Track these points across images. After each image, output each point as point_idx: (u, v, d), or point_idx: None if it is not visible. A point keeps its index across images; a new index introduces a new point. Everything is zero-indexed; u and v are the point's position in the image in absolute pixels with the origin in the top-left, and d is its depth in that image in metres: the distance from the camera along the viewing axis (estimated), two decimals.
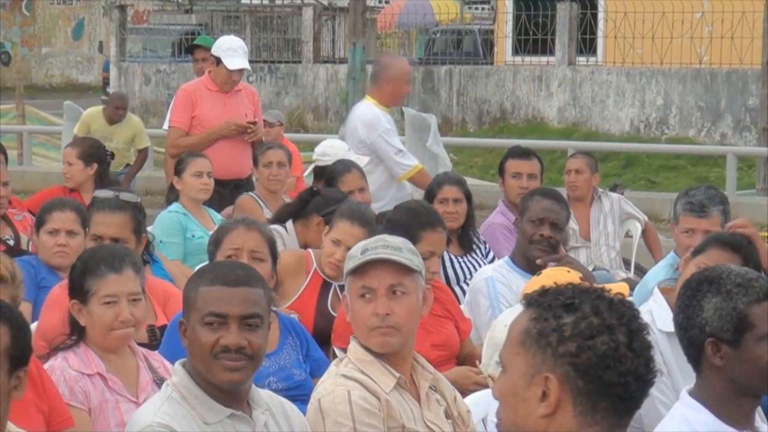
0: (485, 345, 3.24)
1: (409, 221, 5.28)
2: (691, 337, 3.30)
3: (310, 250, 5.92)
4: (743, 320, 3.23)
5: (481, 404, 4.16)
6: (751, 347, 3.23)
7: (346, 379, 3.69)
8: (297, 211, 6.59)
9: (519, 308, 2.65)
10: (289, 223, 6.50)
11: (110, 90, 25.49)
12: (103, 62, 33.59)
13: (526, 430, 2.49)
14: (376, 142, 8.08)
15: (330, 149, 8.07)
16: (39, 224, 5.66)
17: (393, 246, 3.78)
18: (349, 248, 5.57)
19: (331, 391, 3.66)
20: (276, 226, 6.12)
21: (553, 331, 2.47)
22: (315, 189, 6.89)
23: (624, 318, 2.51)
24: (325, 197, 6.59)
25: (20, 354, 2.96)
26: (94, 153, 7.99)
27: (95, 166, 7.84)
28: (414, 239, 4.98)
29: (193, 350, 3.30)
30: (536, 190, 6.20)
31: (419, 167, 8.25)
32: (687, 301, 3.34)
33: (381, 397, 3.66)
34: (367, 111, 8.26)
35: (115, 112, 12.41)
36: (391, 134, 8.18)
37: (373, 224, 5.76)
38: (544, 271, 4.63)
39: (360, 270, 3.73)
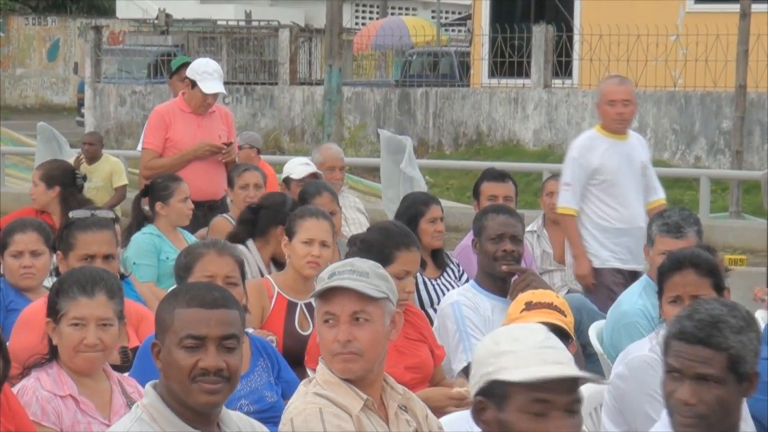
0: (472, 365, 3.23)
1: (383, 241, 5.26)
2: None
3: (268, 276, 5.92)
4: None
5: (457, 424, 4.16)
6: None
7: (317, 396, 3.68)
8: (250, 231, 6.62)
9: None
10: (250, 242, 6.51)
11: (84, 111, 25.47)
12: (77, 83, 33.58)
13: None
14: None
15: (309, 164, 8.25)
16: (2, 247, 5.68)
17: (360, 271, 3.77)
18: (322, 242, 5.64)
19: (303, 409, 3.65)
20: (240, 247, 6.09)
21: None
22: (254, 206, 6.95)
23: None
24: (271, 207, 6.66)
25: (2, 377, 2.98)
26: (57, 175, 7.94)
27: (57, 188, 7.80)
28: (389, 259, 5.01)
29: (169, 373, 3.27)
30: (487, 209, 6.15)
31: (572, 211, 7.75)
32: (691, 321, 3.32)
33: (352, 414, 3.66)
34: (582, 134, 8.15)
35: (87, 149, 12.72)
36: (571, 163, 7.75)
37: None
38: (526, 293, 4.60)
39: (325, 295, 3.73)
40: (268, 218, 6.59)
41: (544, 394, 2.86)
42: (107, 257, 5.09)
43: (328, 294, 3.72)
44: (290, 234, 5.75)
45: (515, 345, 2.95)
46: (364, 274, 3.76)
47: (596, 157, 7.52)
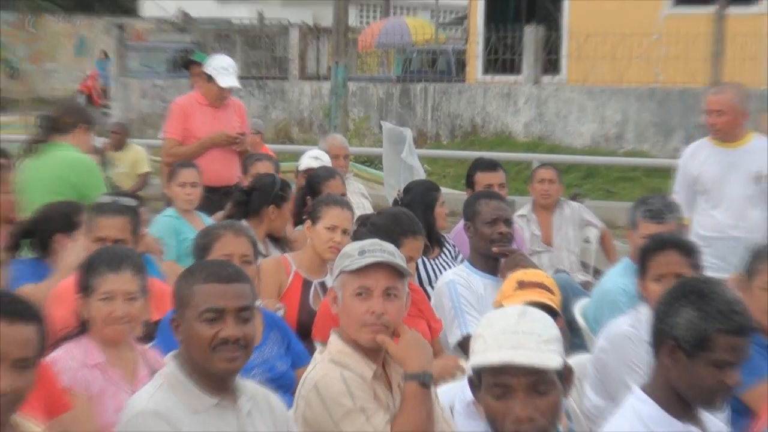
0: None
1: (392, 227, 5.28)
2: (660, 330, 3.31)
3: (287, 254, 5.90)
4: (706, 342, 3.21)
5: (449, 394, 4.19)
6: (700, 366, 3.22)
7: (334, 363, 3.70)
8: (244, 211, 6.60)
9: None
10: (244, 222, 6.52)
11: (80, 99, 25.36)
12: (102, 77, 33.52)
13: None
14: None
15: (319, 155, 8.26)
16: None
17: (389, 251, 3.78)
18: (344, 230, 5.62)
19: (324, 374, 3.67)
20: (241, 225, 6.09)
21: None
22: (247, 188, 6.89)
23: None
24: (262, 189, 6.63)
25: (44, 350, 3.01)
26: None
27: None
28: (396, 244, 4.96)
29: (190, 344, 3.29)
30: (479, 194, 6.13)
31: (684, 220, 7.10)
32: (671, 300, 3.34)
33: (366, 379, 3.69)
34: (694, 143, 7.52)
35: (113, 137, 12.91)
36: (678, 170, 7.34)
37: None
38: (517, 273, 4.61)
39: (359, 270, 3.72)
40: (260, 199, 6.56)
41: (503, 377, 2.84)
42: (117, 242, 5.05)
43: (363, 269, 3.72)
44: (314, 218, 5.72)
45: (486, 330, 2.94)
46: (392, 254, 3.78)
47: (696, 165, 7.10)
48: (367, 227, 5.49)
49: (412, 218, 5.50)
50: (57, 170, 6.64)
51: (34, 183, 6.42)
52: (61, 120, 6.99)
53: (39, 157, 6.81)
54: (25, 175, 6.59)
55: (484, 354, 2.89)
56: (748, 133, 7.05)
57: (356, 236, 5.22)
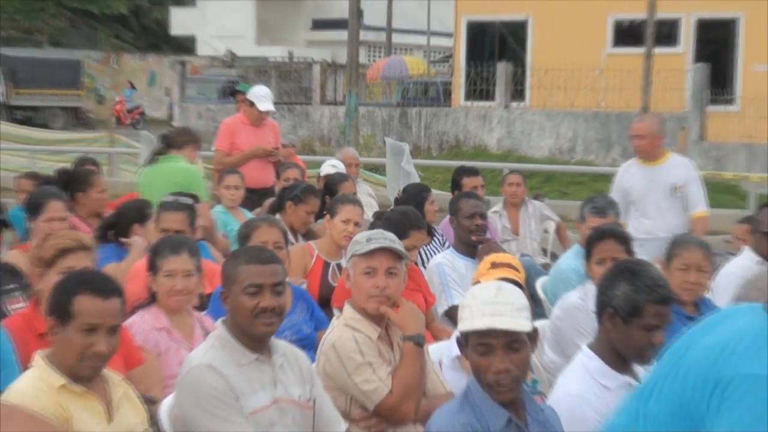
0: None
1: (402, 221, 5.26)
2: (602, 301, 3.31)
3: (311, 242, 5.87)
4: (637, 310, 3.22)
5: (438, 351, 4.18)
6: (633, 329, 3.24)
7: (347, 327, 3.70)
8: (276, 208, 6.54)
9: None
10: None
11: (173, 123, 25.42)
12: (168, 103, 33.57)
13: None
14: None
15: (336, 164, 8.25)
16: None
17: (390, 239, 3.78)
18: (356, 223, 5.61)
19: (339, 336, 3.67)
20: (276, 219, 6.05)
21: None
22: (283, 189, 6.84)
23: None
24: (287, 191, 6.56)
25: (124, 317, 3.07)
26: None
27: None
28: (404, 235, 5.03)
29: (236, 312, 3.28)
30: (461, 195, 6.10)
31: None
32: (610, 277, 3.35)
33: (373, 340, 3.69)
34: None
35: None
36: (616, 184, 7.11)
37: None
38: (490, 256, 4.61)
39: (367, 254, 3.72)
40: (284, 198, 6.55)
41: (486, 338, 2.85)
42: (177, 232, 5.03)
43: (370, 253, 3.71)
44: (332, 213, 5.69)
45: (471, 301, 2.95)
46: (393, 241, 3.77)
47: (627, 180, 6.99)
48: (382, 221, 5.47)
49: (417, 216, 5.49)
50: (171, 176, 6.69)
51: (153, 184, 6.53)
52: (176, 138, 7.14)
53: (158, 165, 6.94)
54: (147, 178, 6.84)
55: (471, 321, 2.89)
56: (666, 153, 6.99)
57: (373, 227, 5.21)
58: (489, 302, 2.89)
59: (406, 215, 5.39)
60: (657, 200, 6.84)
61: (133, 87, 35.73)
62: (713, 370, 2.29)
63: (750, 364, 2.24)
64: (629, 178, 7.00)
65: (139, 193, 6.48)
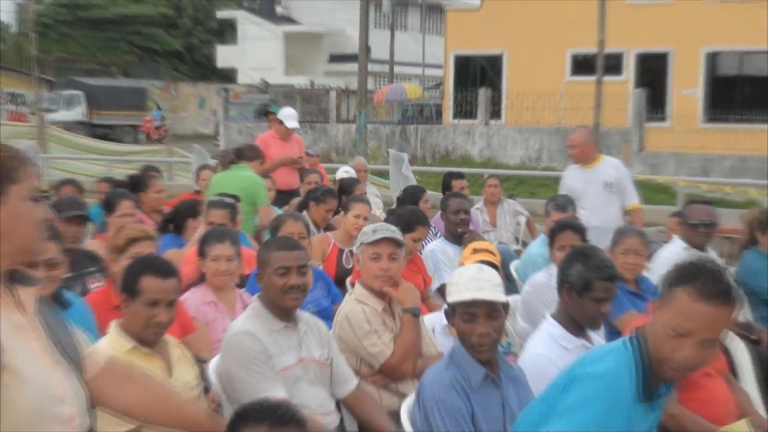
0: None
1: (411, 217, 5.20)
2: (562, 278, 3.30)
3: (329, 233, 5.84)
4: (589, 285, 3.21)
5: (431, 320, 4.17)
6: (586, 301, 3.21)
7: (358, 302, 3.69)
8: (304, 205, 6.52)
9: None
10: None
11: (219, 138, 25.39)
12: (214, 121, 33.54)
13: None
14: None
15: (349, 170, 8.18)
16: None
17: (391, 230, 3.77)
18: (365, 218, 5.58)
19: (351, 308, 3.66)
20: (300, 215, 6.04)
21: None
22: (305, 191, 6.79)
23: None
24: (309, 193, 6.51)
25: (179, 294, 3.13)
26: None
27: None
28: (412, 228, 5.03)
29: (269, 290, 3.26)
30: (449, 195, 6.06)
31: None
32: (568, 259, 3.35)
33: (378, 312, 3.67)
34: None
35: (220, 159, 12.16)
36: (563, 184, 6.94)
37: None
38: (472, 243, 4.60)
39: (373, 242, 3.71)
40: (308, 199, 6.52)
41: (470, 308, 2.84)
42: (221, 225, 4.98)
43: (375, 242, 3.70)
44: (346, 210, 5.67)
45: (458, 279, 2.94)
46: (394, 232, 3.76)
47: (567, 180, 6.88)
48: (393, 216, 5.44)
49: (423, 214, 5.45)
50: (239, 181, 6.65)
51: (224, 186, 6.47)
52: (248, 153, 7.13)
53: (230, 172, 6.88)
54: (219, 180, 6.77)
55: (458, 294, 2.88)
56: (599, 157, 6.90)
57: (387, 221, 5.18)
58: (472, 279, 2.89)
59: (414, 213, 5.35)
60: (593, 196, 6.74)
61: (159, 108, 35.40)
62: (571, 372, 2.45)
63: (590, 367, 2.39)
64: (571, 179, 6.93)
65: (211, 192, 6.37)
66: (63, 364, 1.85)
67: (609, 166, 6.88)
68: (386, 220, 5.33)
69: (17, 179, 1.80)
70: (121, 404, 2.06)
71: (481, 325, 2.83)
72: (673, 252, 5.14)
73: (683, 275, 2.29)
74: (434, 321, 4.06)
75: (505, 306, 2.91)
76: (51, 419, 1.74)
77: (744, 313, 4.95)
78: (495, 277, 2.93)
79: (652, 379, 2.36)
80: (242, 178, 6.77)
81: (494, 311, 2.85)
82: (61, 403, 1.78)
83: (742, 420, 2.66)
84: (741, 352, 4.07)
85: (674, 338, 2.27)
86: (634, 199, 6.83)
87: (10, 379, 1.69)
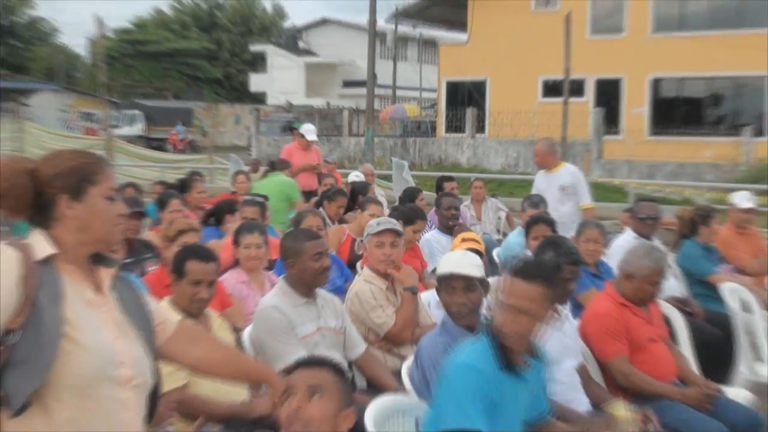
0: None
1: (411, 213, 5.17)
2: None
3: (344, 225, 5.80)
4: (557, 268, 3.14)
5: (426, 296, 4.15)
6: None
7: (366, 281, 3.68)
8: (320, 203, 6.48)
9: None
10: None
11: (251, 149, 25.33)
12: (247, 136, 33.46)
13: None
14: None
15: (359, 175, 8.17)
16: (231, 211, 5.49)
17: (392, 222, 3.77)
18: (377, 216, 5.53)
19: (360, 287, 3.65)
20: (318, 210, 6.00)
21: None
22: (321, 192, 6.81)
23: None
24: (325, 193, 6.43)
25: (218, 275, 3.07)
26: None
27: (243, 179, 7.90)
28: (413, 222, 5.00)
29: (305, 273, 3.21)
30: (441, 195, 6.02)
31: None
32: (542, 247, 3.34)
33: (382, 290, 3.66)
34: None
35: (252, 166, 12.13)
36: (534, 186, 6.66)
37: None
38: (461, 234, 4.57)
39: (378, 233, 3.71)
40: (323, 198, 6.48)
41: (450, 281, 2.85)
42: (252, 220, 4.96)
43: (379, 232, 3.69)
44: (363, 208, 5.62)
45: (446, 260, 2.95)
46: (394, 224, 3.76)
47: (536, 182, 6.72)
48: (397, 212, 5.42)
49: (421, 210, 5.41)
50: (277, 185, 7.00)
51: (265, 189, 6.64)
52: (278, 164, 7.60)
53: (268, 178, 7.31)
54: (261, 185, 7.09)
55: (442, 269, 2.89)
56: (559, 163, 6.74)
57: (392, 215, 5.13)
58: (456, 260, 2.91)
59: (414, 209, 5.32)
60: (552, 196, 6.59)
61: (183, 123, 35.09)
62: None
63: (455, 357, 2.38)
64: (538, 181, 6.85)
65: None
66: (130, 333, 1.81)
67: (566, 173, 6.77)
68: (390, 216, 5.31)
69: (96, 181, 1.79)
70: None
71: (459, 296, 2.83)
72: (625, 241, 5.12)
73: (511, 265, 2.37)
74: (429, 297, 4.04)
75: (483, 282, 2.90)
76: (106, 380, 1.72)
77: (682, 290, 4.96)
78: (476, 260, 2.94)
79: (506, 350, 2.34)
80: (278, 182, 7.00)
81: (471, 285, 2.85)
82: (120, 366, 1.75)
83: (619, 402, 2.64)
84: (679, 322, 4.06)
85: (500, 310, 2.34)
86: (587, 200, 6.74)
87: (71, 347, 1.67)
